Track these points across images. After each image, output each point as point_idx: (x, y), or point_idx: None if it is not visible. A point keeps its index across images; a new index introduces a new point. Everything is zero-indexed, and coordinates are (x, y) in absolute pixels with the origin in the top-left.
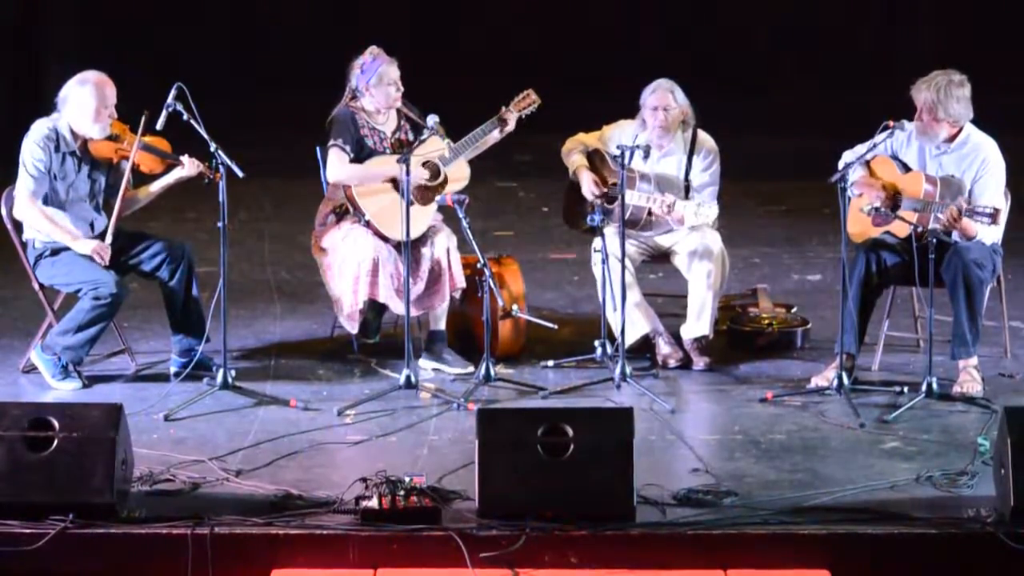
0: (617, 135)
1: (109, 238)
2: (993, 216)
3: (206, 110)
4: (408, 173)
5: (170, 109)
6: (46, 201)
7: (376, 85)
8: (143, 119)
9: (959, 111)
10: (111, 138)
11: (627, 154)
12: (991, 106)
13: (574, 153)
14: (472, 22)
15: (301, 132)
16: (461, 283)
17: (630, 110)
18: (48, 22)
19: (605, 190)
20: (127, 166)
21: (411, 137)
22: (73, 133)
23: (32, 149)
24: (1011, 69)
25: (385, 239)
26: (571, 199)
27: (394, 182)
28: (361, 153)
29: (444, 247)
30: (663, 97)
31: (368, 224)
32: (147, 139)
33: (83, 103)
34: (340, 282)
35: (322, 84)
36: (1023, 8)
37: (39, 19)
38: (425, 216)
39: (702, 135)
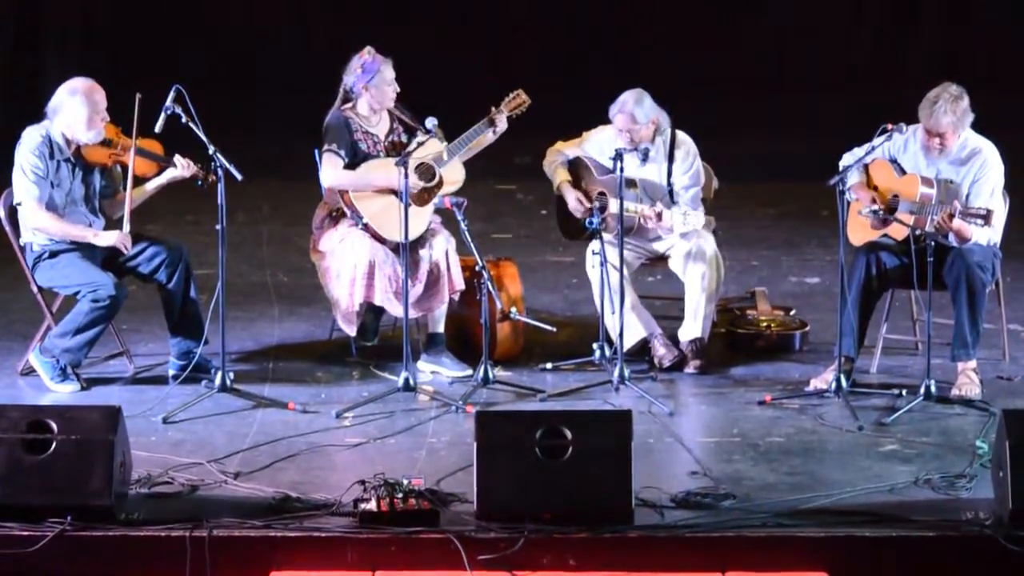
0: (599, 141)
1: (127, 227)
2: (985, 218)
3: (205, 111)
4: (407, 176)
5: (168, 111)
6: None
7: (377, 85)
8: (136, 114)
9: (967, 122)
10: (105, 143)
11: (621, 156)
12: (991, 107)
13: (556, 169)
14: (470, 22)
15: (300, 133)
16: (460, 286)
17: None
18: (48, 22)
19: (590, 206)
20: (122, 169)
21: (404, 140)
22: (66, 140)
23: (29, 158)
24: (1011, 69)
25: (383, 241)
26: (564, 211)
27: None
28: (355, 157)
29: (443, 249)
30: (623, 122)
31: (366, 227)
32: (140, 143)
33: (75, 113)
34: (337, 285)
35: (321, 85)
36: (1022, 7)
37: (40, 18)
38: (423, 217)
39: (680, 136)
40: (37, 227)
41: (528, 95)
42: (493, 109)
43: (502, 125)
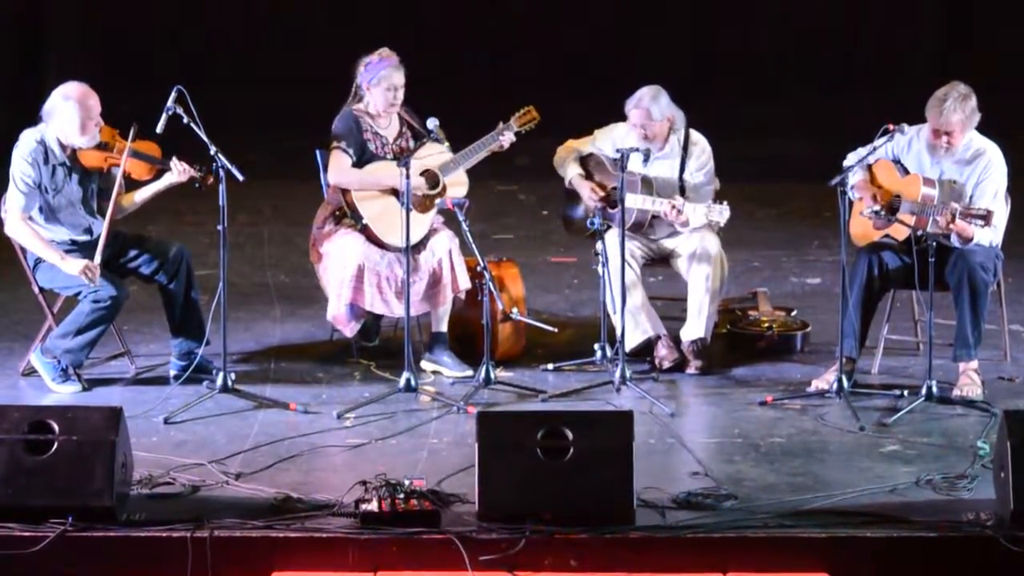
0: (610, 139)
1: (99, 258)
2: (985, 218)
3: (205, 111)
4: (408, 176)
5: (170, 112)
6: (40, 210)
7: (375, 86)
8: (132, 131)
9: (974, 121)
10: (100, 146)
11: (626, 156)
12: (991, 107)
13: (569, 163)
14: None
15: (301, 134)
16: (466, 285)
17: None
18: (48, 20)
19: (604, 195)
20: (118, 172)
21: (412, 145)
22: (61, 144)
23: (21, 165)
24: (1012, 69)
25: (382, 244)
26: (570, 208)
27: (393, 189)
28: (363, 156)
29: (446, 249)
30: (639, 117)
31: (365, 228)
32: (136, 146)
33: (68, 118)
34: (329, 288)
35: (322, 85)
36: (1021, 8)
37: (40, 15)
38: (422, 224)
39: (694, 135)
40: (12, 236)
41: (538, 111)
42: (502, 124)
43: (508, 141)
